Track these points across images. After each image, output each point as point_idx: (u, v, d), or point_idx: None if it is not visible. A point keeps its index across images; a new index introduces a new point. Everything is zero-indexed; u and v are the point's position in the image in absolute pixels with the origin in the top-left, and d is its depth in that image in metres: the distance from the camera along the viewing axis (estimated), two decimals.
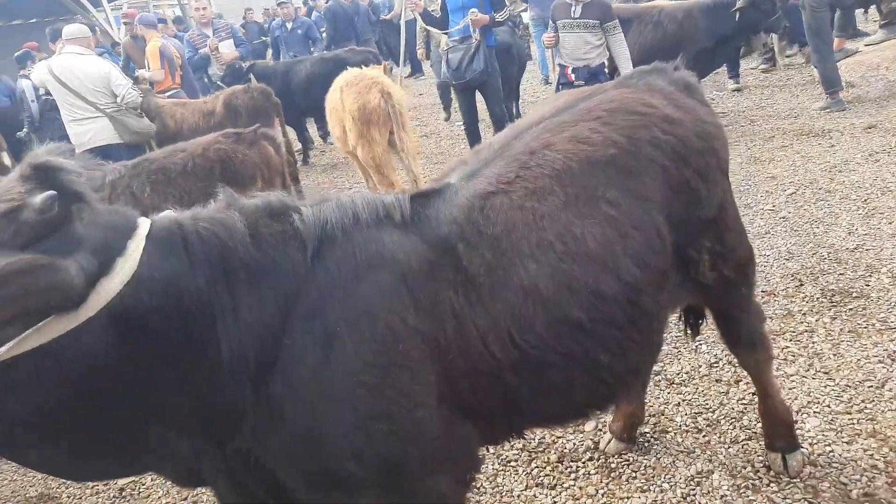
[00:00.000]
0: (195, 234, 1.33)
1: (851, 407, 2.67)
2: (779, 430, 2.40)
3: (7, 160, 8.99)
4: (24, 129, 7.77)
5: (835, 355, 3.01)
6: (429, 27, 5.84)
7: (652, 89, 1.92)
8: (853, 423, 2.58)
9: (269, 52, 9.80)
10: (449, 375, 1.46)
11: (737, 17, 6.30)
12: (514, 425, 1.71)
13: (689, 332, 2.46)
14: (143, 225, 1.30)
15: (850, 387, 2.78)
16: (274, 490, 1.43)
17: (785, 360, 3.05)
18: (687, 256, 1.88)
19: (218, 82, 7.78)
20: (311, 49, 9.12)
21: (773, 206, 4.80)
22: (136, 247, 1.24)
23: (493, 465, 2.68)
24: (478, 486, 2.59)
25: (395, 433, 1.40)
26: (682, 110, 1.88)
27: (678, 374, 3.07)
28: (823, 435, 2.54)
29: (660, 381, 3.05)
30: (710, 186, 1.88)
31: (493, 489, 2.57)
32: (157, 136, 6.41)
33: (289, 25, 9.44)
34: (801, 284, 3.67)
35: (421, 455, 1.46)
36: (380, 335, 1.39)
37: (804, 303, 3.49)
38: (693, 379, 3.03)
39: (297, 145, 8.64)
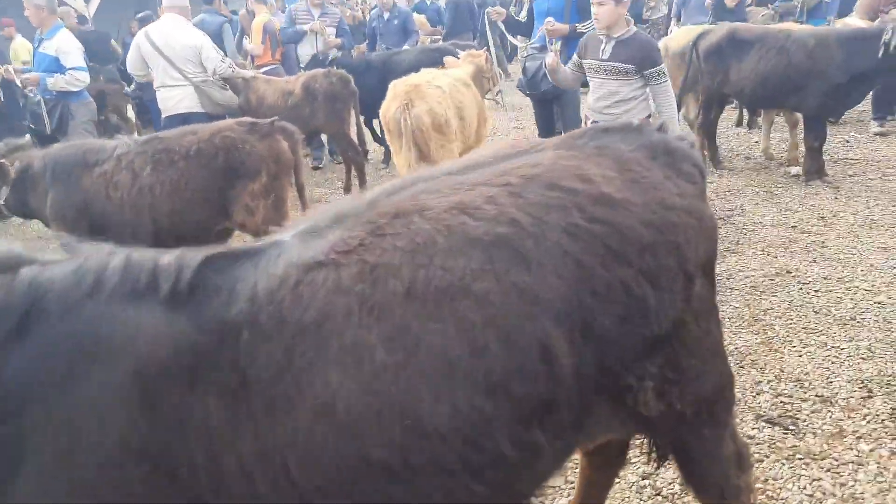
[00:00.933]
0: None
1: None
2: None
3: (132, 113, 9.63)
4: (132, 86, 8.19)
5: None
6: (509, 35, 5.41)
7: (602, 154, 1.47)
8: None
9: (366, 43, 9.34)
10: None
11: (881, 52, 5.34)
12: None
13: (651, 459, 1.89)
14: None
15: None
16: None
17: (811, 496, 2.44)
18: (623, 382, 1.43)
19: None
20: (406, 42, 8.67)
21: (872, 285, 3.99)
22: None
23: None
24: None
25: None
26: (636, 189, 1.42)
27: (669, 483, 2.54)
28: None
29: (645, 487, 2.54)
30: (663, 295, 1.40)
31: None
32: (239, 109, 6.48)
33: (385, 16, 9.00)
34: (870, 396, 2.96)
35: None
36: (84, 460, 1.06)
37: (864, 422, 2.80)
38: (687, 495, 2.49)
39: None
